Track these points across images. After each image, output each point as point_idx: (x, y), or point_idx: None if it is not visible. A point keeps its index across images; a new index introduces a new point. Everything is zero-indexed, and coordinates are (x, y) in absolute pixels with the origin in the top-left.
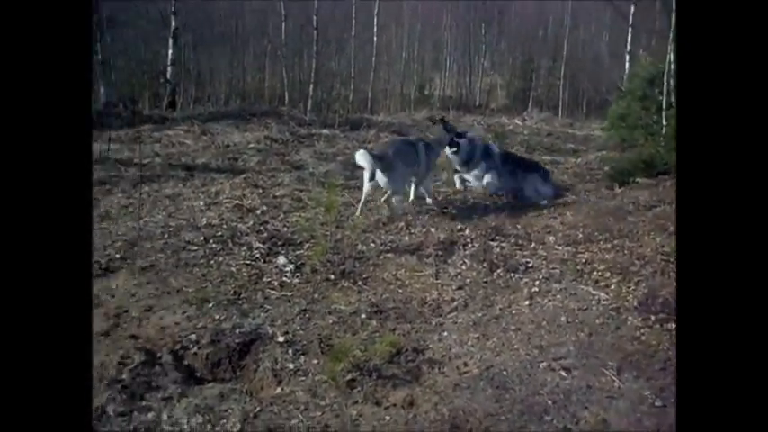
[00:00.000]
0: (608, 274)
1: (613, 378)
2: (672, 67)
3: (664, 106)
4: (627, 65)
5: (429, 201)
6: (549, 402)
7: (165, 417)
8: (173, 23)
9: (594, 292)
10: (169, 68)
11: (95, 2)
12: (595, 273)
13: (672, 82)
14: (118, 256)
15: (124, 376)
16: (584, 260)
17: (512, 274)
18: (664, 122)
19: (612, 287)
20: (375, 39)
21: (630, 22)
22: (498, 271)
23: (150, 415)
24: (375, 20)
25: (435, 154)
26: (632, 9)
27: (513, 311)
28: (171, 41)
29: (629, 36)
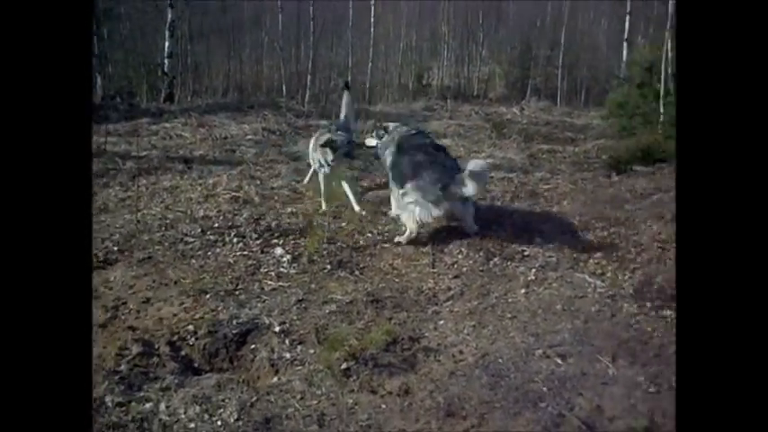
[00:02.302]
0: (604, 262)
1: (608, 365)
2: (670, 54)
3: (661, 94)
4: (625, 53)
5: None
6: (544, 389)
7: (162, 407)
8: (169, 16)
9: (591, 280)
10: (166, 61)
11: None
12: (592, 261)
13: (669, 69)
14: (116, 248)
15: (122, 367)
16: (580, 248)
17: (508, 263)
18: (661, 110)
19: (609, 275)
20: (372, 29)
21: (628, 10)
22: (495, 260)
23: (148, 405)
24: (372, 9)
25: None
26: None
27: (510, 300)
28: (167, 34)
29: (627, 24)
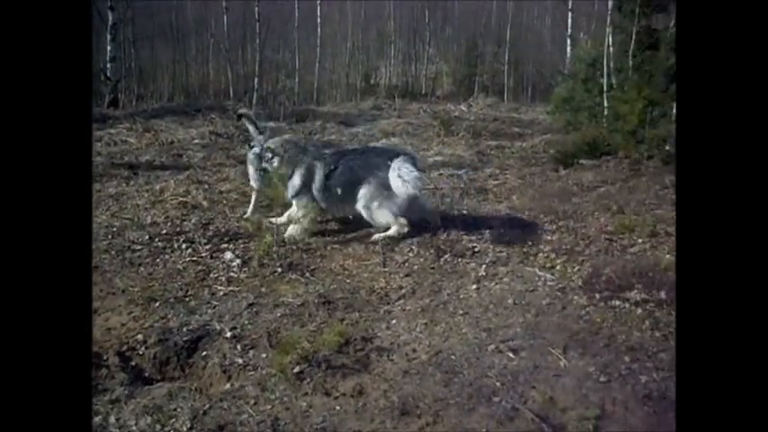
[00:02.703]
0: (553, 256)
1: (559, 357)
2: (611, 49)
3: (605, 88)
4: (568, 49)
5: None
6: (498, 384)
7: (112, 419)
8: (110, 18)
9: (540, 274)
10: (109, 65)
11: None
12: (541, 254)
13: (612, 64)
14: None
15: None
16: (530, 242)
17: (459, 259)
18: (605, 104)
19: (558, 268)
20: (319, 29)
21: (570, 7)
22: (445, 256)
23: (97, 419)
24: (318, 10)
25: None
26: None
27: (461, 296)
28: (109, 37)
29: (570, 20)
